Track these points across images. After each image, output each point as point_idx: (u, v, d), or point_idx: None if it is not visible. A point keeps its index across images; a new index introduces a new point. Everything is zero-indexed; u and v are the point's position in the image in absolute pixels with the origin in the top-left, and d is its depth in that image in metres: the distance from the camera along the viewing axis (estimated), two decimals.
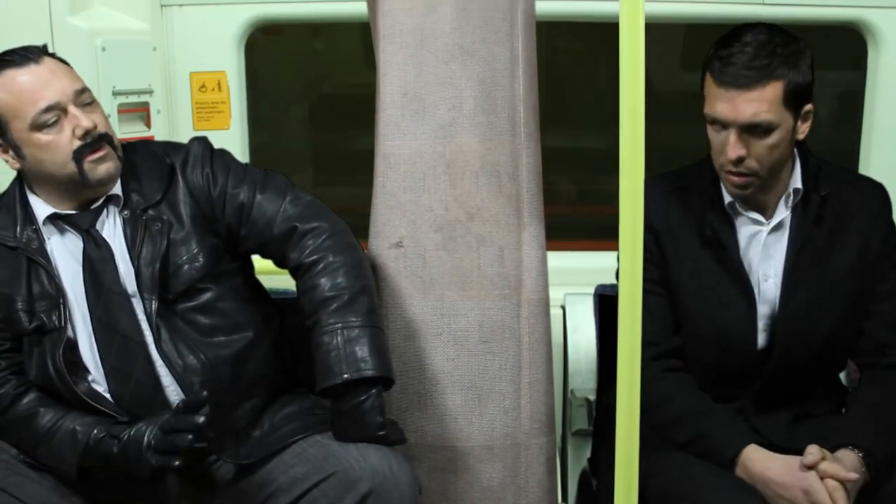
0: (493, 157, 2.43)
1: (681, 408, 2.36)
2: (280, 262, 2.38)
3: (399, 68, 2.45)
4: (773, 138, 2.23)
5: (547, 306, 2.52)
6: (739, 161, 2.25)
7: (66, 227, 2.31)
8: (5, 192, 2.38)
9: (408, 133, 2.45)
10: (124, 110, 3.15)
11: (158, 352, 2.25)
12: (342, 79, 5.40)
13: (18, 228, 2.30)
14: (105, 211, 2.32)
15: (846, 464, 2.19)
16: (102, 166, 2.25)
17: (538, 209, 2.50)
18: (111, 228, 2.31)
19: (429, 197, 2.44)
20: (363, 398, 2.18)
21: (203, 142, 2.42)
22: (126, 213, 2.31)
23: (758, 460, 2.23)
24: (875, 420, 2.30)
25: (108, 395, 2.26)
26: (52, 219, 2.30)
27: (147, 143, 2.51)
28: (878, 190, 2.43)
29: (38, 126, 2.21)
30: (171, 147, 2.43)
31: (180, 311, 2.30)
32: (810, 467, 2.17)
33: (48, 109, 2.20)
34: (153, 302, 2.26)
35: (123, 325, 2.25)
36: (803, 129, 2.29)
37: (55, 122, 2.21)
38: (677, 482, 2.25)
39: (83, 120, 2.22)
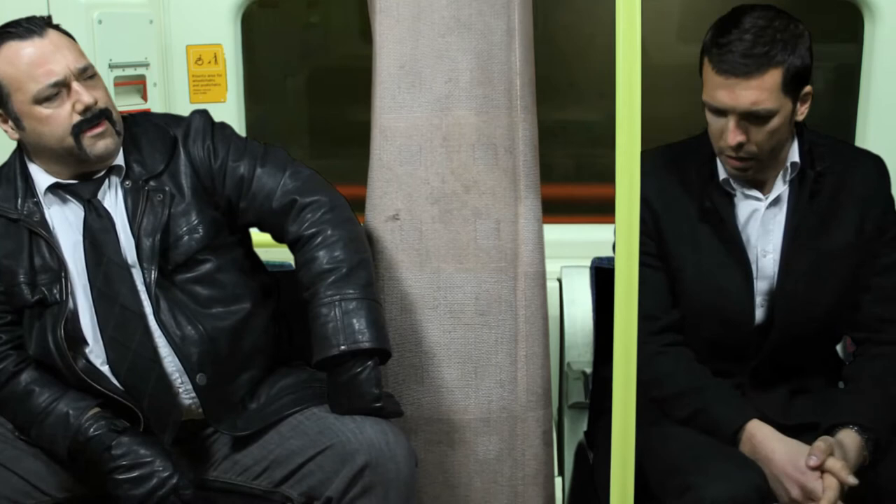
0: (489, 130, 2.43)
1: (682, 383, 2.35)
2: (278, 236, 2.39)
3: (395, 41, 2.45)
4: (772, 124, 2.22)
5: (543, 279, 2.53)
6: (739, 147, 2.25)
7: (68, 197, 2.31)
8: (5, 164, 2.38)
9: (404, 106, 2.45)
10: (120, 83, 3.14)
11: (157, 322, 2.26)
12: (338, 51, 5.37)
13: (20, 200, 2.30)
14: (107, 181, 2.32)
15: (849, 452, 2.18)
16: (101, 142, 2.25)
17: (535, 182, 2.50)
18: (112, 199, 2.31)
19: (425, 170, 2.44)
20: (360, 370, 2.19)
21: (204, 115, 2.42)
22: (128, 183, 2.31)
23: (764, 440, 2.23)
24: (873, 397, 2.29)
25: (105, 368, 2.27)
26: (54, 188, 2.30)
27: (148, 115, 2.51)
28: (876, 163, 2.42)
29: (39, 100, 2.20)
30: (171, 119, 2.43)
31: (179, 282, 2.30)
32: (814, 468, 2.15)
33: (52, 85, 2.19)
34: (153, 272, 2.26)
35: (123, 296, 2.26)
36: (802, 111, 2.28)
37: (56, 97, 2.21)
38: (679, 457, 2.24)
39: (84, 95, 2.22)
